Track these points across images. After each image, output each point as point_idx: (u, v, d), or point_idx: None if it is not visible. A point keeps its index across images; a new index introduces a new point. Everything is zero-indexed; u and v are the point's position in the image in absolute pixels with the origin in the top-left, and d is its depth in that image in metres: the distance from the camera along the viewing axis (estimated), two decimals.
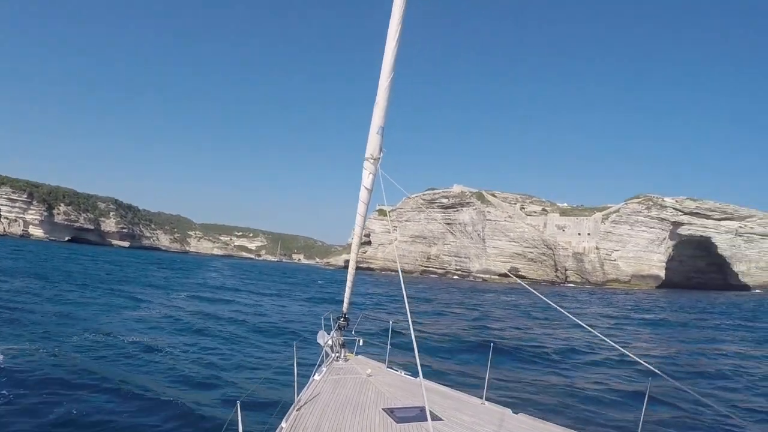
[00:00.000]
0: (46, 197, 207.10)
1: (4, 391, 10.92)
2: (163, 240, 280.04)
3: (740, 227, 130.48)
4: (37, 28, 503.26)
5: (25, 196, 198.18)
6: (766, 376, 17.86)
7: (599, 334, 6.83)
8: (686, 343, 26.27)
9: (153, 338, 18.71)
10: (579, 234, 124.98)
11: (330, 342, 9.33)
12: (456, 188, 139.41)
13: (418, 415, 6.17)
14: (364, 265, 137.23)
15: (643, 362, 6.12)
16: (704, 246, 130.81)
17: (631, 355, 6.42)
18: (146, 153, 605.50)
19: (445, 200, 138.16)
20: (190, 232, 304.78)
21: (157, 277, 55.04)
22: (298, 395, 6.63)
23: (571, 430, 6.34)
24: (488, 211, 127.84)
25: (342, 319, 9.78)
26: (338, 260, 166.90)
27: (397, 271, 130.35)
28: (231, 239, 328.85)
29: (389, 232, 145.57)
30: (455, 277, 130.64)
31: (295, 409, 6.22)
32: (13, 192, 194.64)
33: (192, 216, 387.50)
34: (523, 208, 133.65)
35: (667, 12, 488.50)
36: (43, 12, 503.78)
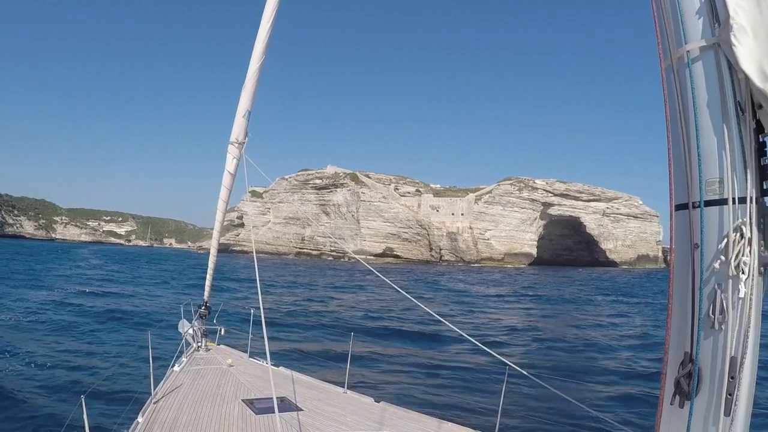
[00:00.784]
0: None
1: None
2: (28, 227, 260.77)
3: (607, 208, 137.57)
4: None
5: None
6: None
7: (453, 326, 6.56)
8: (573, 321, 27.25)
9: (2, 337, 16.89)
10: (453, 214, 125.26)
11: (191, 331, 9.13)
12: (330, 169, 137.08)
13: (279, 405, 5.62)
14: (238, 248, 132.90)
15: (496, 354, 6.17)
16: (573, 225, 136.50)
17: (486, 348, 6.32)
18: (3, 132, 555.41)
19: (318, 181, 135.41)
20: (56, 218, 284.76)
21: (13, 270, 48.60)
22: (155, 387, 6.43)
23: (432, 417, 6.60)
24: (362, 192, 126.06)
25: (203, 308, 9.54)
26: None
27: (272, 253, 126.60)
28: (100, 224, 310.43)
29: (264, 214, 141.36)
30: (330, 258, 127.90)
31: (152, 402, 6.06)
32: None
33: (58, 200, 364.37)
34: (397, 189, 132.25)
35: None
36: None
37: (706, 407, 2.49)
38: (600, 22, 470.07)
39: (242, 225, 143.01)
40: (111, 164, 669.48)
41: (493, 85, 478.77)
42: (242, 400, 6.37)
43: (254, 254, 6.02)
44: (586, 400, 11.17)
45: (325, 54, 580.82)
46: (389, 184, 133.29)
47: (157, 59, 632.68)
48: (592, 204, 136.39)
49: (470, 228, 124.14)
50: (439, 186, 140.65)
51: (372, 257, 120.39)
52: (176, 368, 7.64)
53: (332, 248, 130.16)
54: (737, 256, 2.41)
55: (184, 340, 8.88)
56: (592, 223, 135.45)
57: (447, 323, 6.45)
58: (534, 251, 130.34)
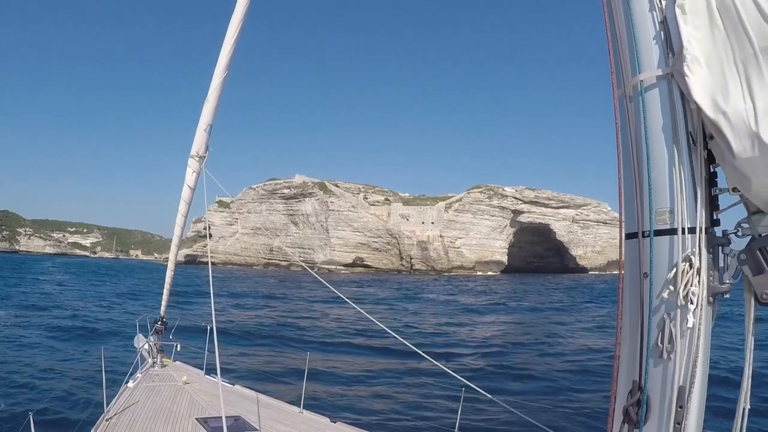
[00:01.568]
0: None
1: None
2: None
3: (576, 214, 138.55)
4: None
5: None
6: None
7: (410, 344, 6.77)
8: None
9: None
10: (423, 223, 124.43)
11: (146, 346, 8.94)
12: (298, 178, 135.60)
13: (233, 425, 5.97)
14: (205, 260, 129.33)
15: (454, 374, 6.31)
16: (543, 232, 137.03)
17: (443, 367, 6.52)
18: None
19: (287, 191, 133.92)
20: (20, 230, 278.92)
21: None
22: (108, 404, 6.38)
23: None
24: (331, 201, 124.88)
25: (159, 323, 9.40)
26: (179, 255, 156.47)
27: (240, 264, 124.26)
28: (64, 236, 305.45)
29: (231, 225, 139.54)
30: (298, 269, 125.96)
31: (104, 419, 6.00)
32: None
33: (22, 211, 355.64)
34: (366, 198, 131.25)
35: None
36: None
37: None
38: (562, 30, 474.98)
39: (210, 236, 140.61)
40: (76, 175, 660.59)
41: (462, 93, 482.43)
42: (196, 419, 6.28)
43: (209, 267, 6.33)
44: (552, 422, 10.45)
45: (293, 62, 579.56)
46: (358, 193, 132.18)
47: (128, 68, 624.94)
48: (562, 211, 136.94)
49: (441, 236, 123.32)
50: (408, 195, 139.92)
51: (342, 267, 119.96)
52: (130, 384, 7.49)
53: (301, 258, 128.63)
54: (686, 285, 2.42)
55: (139, 356, 8.68)
56: (561, 229, 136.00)
57: (400, 338, 6.64)
58: (505, 259, 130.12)
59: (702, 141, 2.48)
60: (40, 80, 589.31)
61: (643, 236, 2.57)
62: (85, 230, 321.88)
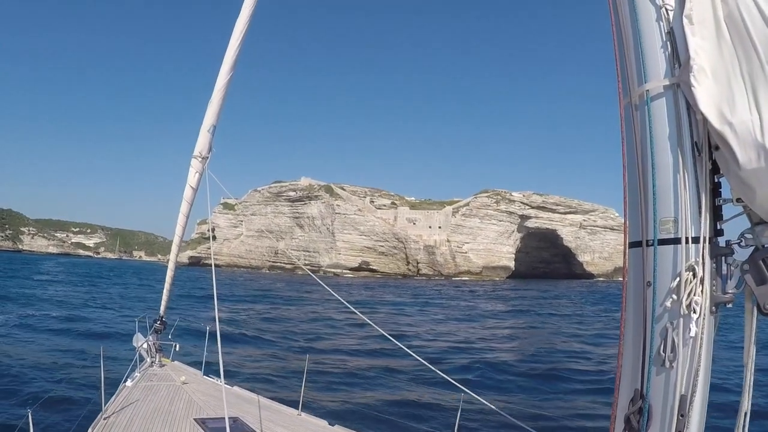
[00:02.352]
0: None
1: None
2: None
3: (584, 220, 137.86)
4: None
5: None
6: None
7: (414, 354, 6.84)
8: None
9: None
10: (430, 227, 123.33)
11: (145, 346, 8.92)
12: (304, 181, 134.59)
13: (231, 426, 5.60)
14: (209, 262, 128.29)
15: (453, 381, 6.36)
16: (550, 238, 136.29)
17: (444, 375, 6.54)
18: None
19: (292, 193, 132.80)
20: (23, 229, 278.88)
21: None
22: (106, 403, 6.41)
23: None
24: (337, 205, 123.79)
25: (159, 322, 9.32)
26: (182, 257, 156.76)
27: (245, 267, 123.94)
28: (68, 236, 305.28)
29: (236, 227, 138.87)
30: (300, 272, 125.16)
31: (102, 417, 5.99)
32: None
33: (25, 211, 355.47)
34: (373, 202, 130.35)
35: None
36: None
37: None
38: (569, 39, 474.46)
39: (214, 238, 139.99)
40: (80, 174, 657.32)
41: (470, 99, 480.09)
42: (194, 419, 6.26)
43: (213, 267, 6.40)
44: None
45: (300, 66, 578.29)
46: (364, 197, 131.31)
47: (134, 69, 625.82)
48: (569, 216, 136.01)
49: (448, 241, 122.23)
50: (414, 199, 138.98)
51: (348, 271, 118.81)
52: (128, 383, 7.49)
53: (306, 262, 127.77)
54: (689, 295, 2.44)
55: (137, 355, 8.65)
56: (569, 235, 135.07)
57: (402, 346, 6.68)
58: (512, 264, 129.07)
59: (707, 151, 2.50)
60: (45, 80, 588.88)
61: (647, 245, 2.58)
62: (88, 230, 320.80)
